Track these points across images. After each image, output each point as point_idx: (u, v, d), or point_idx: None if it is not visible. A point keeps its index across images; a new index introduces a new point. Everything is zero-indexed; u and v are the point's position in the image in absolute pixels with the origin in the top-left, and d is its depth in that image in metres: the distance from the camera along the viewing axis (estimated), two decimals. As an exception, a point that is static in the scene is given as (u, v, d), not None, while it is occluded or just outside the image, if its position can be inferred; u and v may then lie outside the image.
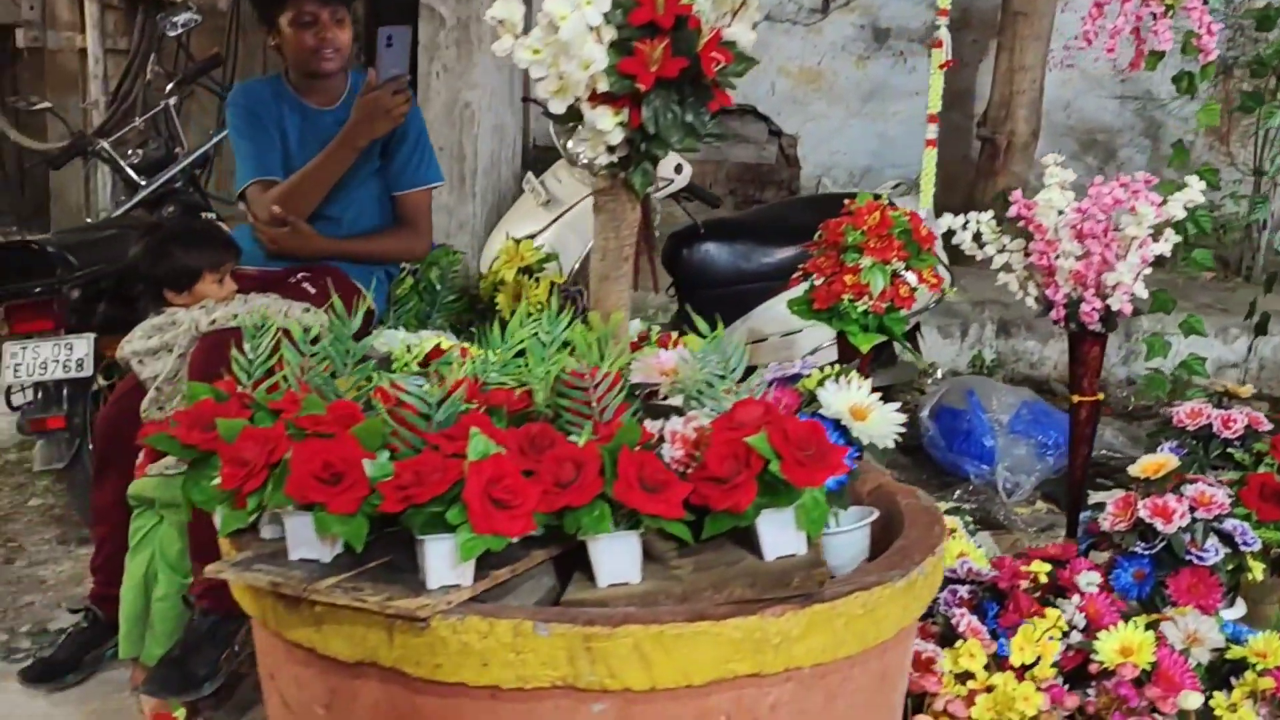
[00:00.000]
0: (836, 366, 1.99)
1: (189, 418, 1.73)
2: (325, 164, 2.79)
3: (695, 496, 1.60)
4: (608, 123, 1.80)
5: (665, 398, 1.92)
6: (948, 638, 2.47)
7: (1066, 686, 2.38)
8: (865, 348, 3.01)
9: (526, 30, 1.76)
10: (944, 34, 4.18)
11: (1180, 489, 2.71)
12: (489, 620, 1.52)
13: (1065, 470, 4.10)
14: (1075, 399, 3.27)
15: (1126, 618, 2.50)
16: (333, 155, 2.79)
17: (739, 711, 1.57)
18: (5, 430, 4.33)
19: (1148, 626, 2.44)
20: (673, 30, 1.76)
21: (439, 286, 3.21)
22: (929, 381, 5.10)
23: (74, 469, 3.36)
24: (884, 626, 1.67)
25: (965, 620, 2.48)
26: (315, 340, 1.87)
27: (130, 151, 4.03)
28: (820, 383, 1.94)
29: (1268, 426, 2.93)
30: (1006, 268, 3.26)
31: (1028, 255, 3.19)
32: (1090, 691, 2.41)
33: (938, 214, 3.25)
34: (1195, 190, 3.01)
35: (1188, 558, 2.61)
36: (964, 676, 2.42)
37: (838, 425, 1.86)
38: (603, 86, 1.77)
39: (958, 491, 4.04)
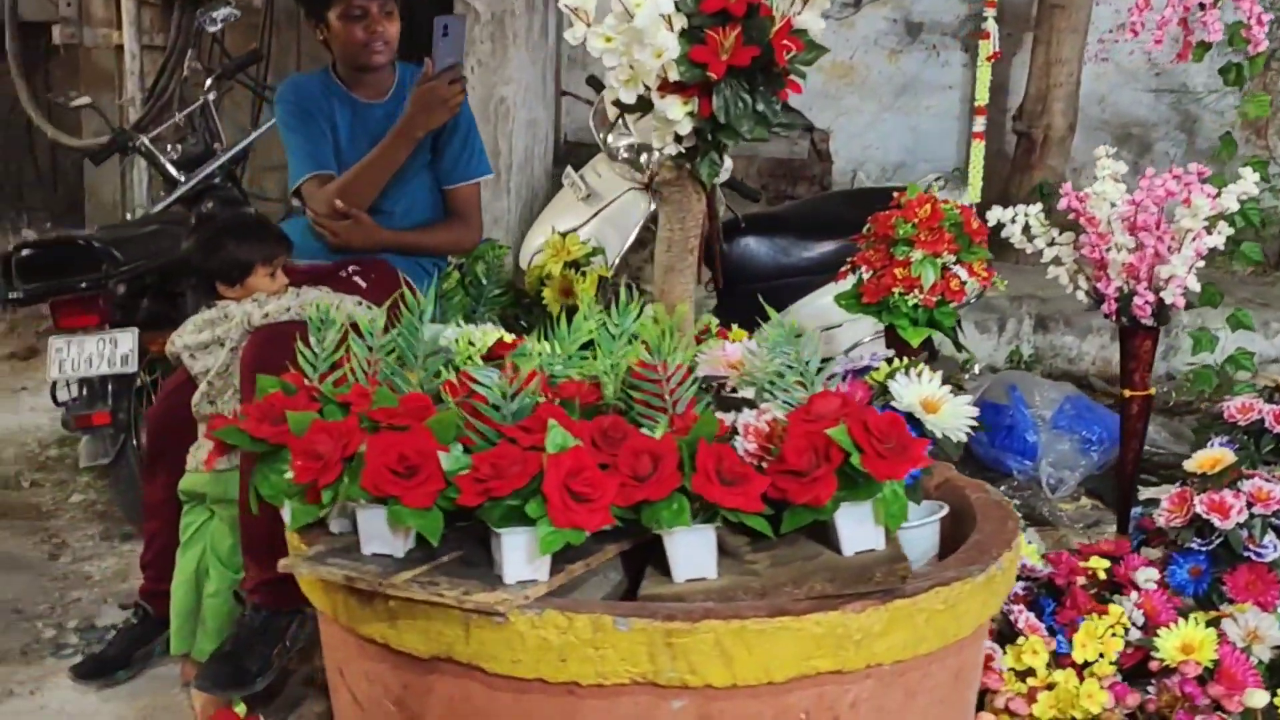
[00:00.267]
0: (906, 359, 1.96)
1: (258, 411, 1.72)
2: (383, 156, 2.78)
3: (772, 490, 1.57)
4: (677, 112, 1.78)
5: (733, 390, 1.90)
6: (1005, 634, 2.45)
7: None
8: (916, 342, 2.98)
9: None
10: (991, 26, 4.14)
11: (1237, 484, 2.68)
12: (568, 615, 1.50)
13: (1109, 466, 4.08)
14: (1126, 394, 3.23)
15: (1183, 615, 2.47)
16: (391, 146, 2.78)
17: (819, 709, 1.55)
18: (46, 426, 4.34)
19: (1208, 624, 2.41)
20: (744, 18, 1.74)
21: (484, 280, 3.20)
22: (966, 377, 5.06)
23: (119, 465, 3.36)
24: (964, 623, 1.65)
25: (1024, 617, 2.45)
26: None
27: (169, 147, 4.02)
28: (890, 375, 1.91)
29: (1320, 421, 2.89)
30: (1056, 261, 3.23)
31: (1078, 248, 3.16)
32: (1150, 689, 2.38)
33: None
34: (1249, 182, 2.98)
35: (1245, 554, 2.57)
36: (1024, 673, 2.39)
37: (909, 418, 1.83)
38: (673, 75, 1.75)
39: (1001, 487, 4.00)
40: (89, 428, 3.30)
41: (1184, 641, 2.38)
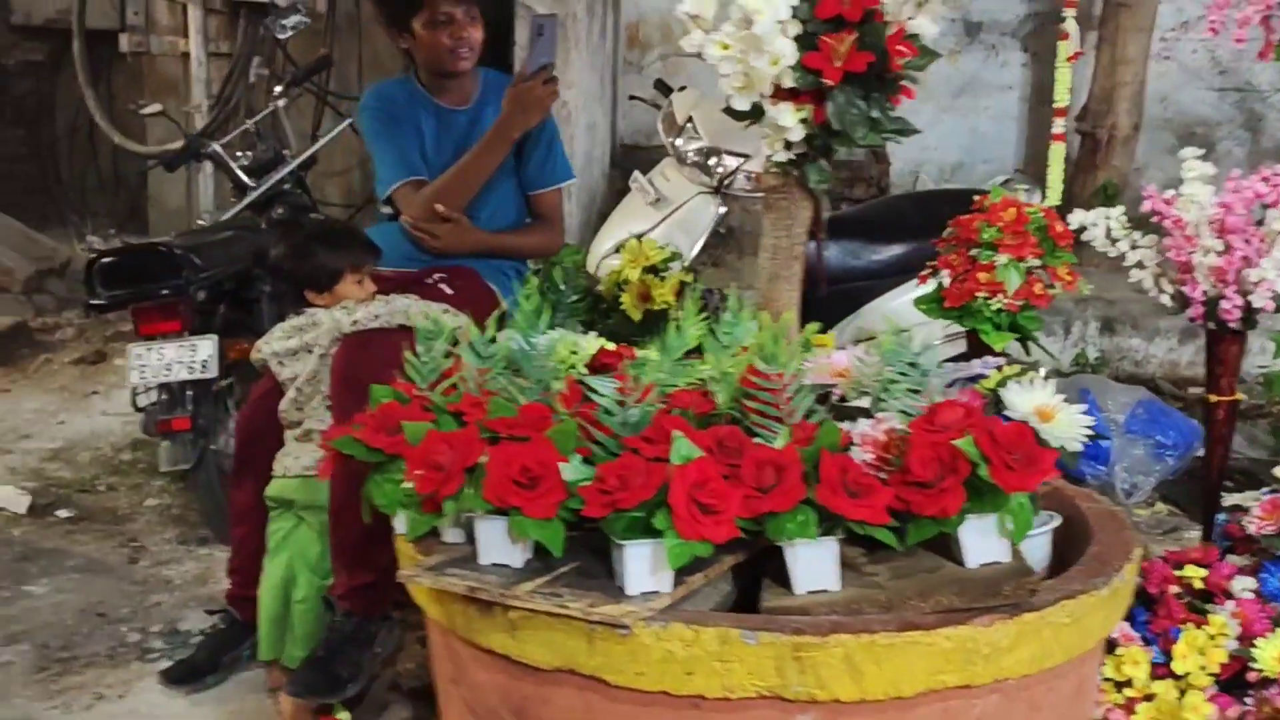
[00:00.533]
0: (1016, 366, 1.94)
1: (374, 421, 1.72)
2: (480, 158, 2.80)
3: (896, 501, 1.56)
4: (790, 119, 1.76)
5: (843, 399, 1.88)
6: (1099, 644, 2.41)
7: (1217, 695, 2.32)
8: (999, 347, 2.95)
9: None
10: (1071, 26, 4.09)
11: (1333, 490, 2.64)
12: (694, 628, 1.49)
13: (1184, 471, 4.02)
14: (1213, 398, 3.18)
15: (1277, 624, 2.43)
16: (487, 149, 2.79)
17: (946, 723, 1.53)
18: (119, 430, 4.39)
19: (1304, 633, 2.36)
20: (859, 24, 1.72)
21: (562, 286, 3.19)
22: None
23: (198, 470, 3.39)
24: (1088, 636, 1.63)
25: (1120, 626, 2.42)
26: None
27: (239, 154, 4.05)
28: (1002, 383, 1.89)
29: None
30: (1139, 265, 3.18)
31: (1163, 252, 3.11)
32: (1248, 700, 2.34)
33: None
34: (1339, 183, 2.92)
35: (1339, 561, 2.53)
36: (1121, 684, 2.36)
37: (1019, 427, 1.81)
38: (787, 82, 1.73)
39: (1075, 493, 3.95)
40: (169, 433, 3.33)
41: (1283, 652, 2.34)
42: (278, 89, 4.15)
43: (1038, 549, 1.81)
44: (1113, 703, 2.33)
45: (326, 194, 5.41)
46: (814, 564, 1.57)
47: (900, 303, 4.17)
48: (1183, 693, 2.32)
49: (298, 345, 2.65)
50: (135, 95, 5.87)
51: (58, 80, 6.50)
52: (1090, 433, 1.84)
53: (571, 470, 1.56)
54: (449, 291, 2.74)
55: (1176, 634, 2.42)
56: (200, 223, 4.21)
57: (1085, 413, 4.51)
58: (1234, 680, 2.39)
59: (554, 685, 1.59)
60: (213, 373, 3.33)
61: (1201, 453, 3.33)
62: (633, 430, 1.60)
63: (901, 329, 4.56)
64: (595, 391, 1.62)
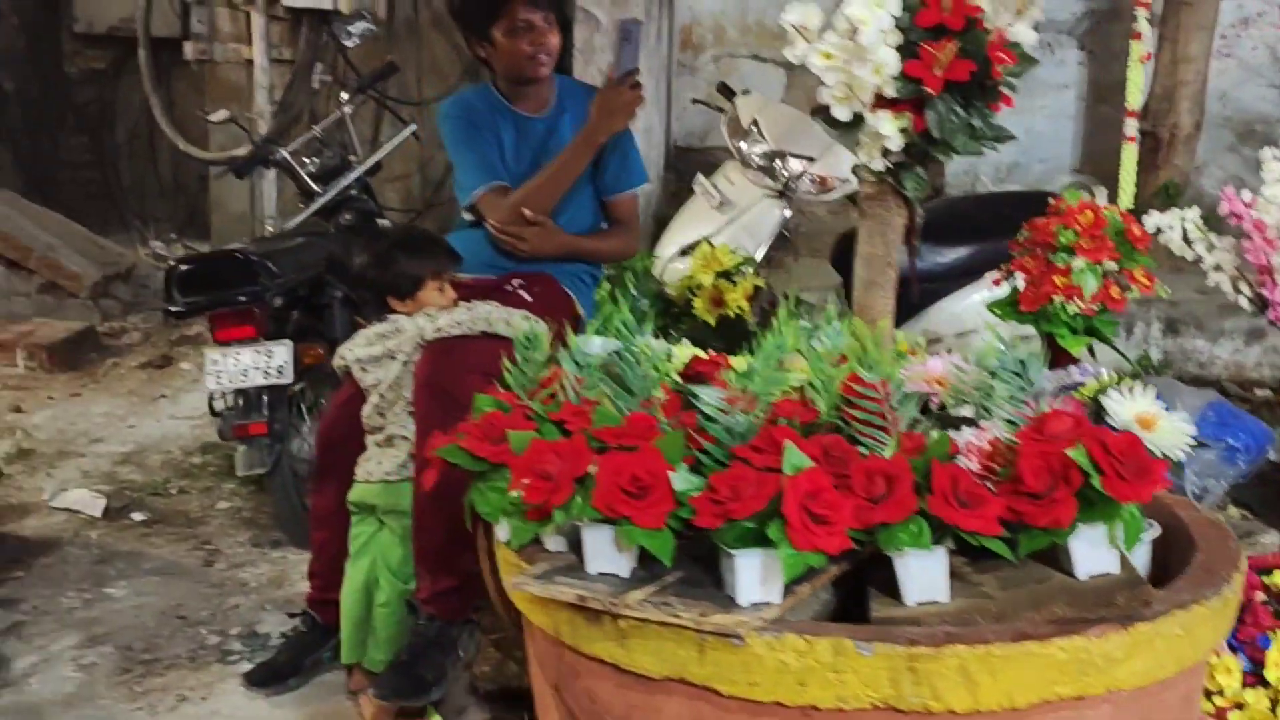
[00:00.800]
0: (1115, 374, 1.93)
1: (478, 430, 1.74)
2: (568, 163, 2.82)
3: (1007, 512, 1.55)
4: (890, 127, 1.76)
5: (941, 406, 1.88)
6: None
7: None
8: (1076, 351, 2.93)
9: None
10: (1143, 25, 4.06)
11: None
12: (807, 639, 1.49)
13: (1255, 475, 3.97)
14: (1293, 401, 3.15)
15: (1361, 630, 2.40)
16: (575, 153, 2.82)
17: (1058, 735, 1.52)
18: (188, 434, 4.45)
19: (1391, 640, 2.33)
20: (961, 32, 1.72)
21: (634, 291, 3.21)
22: (1099, 383, 4.96)
23: (274, 474, 3.43)
24: (1199, 647, 1.62)
25: (1209, 635, 2.39)
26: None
27: (306, 160, 4.08)
28: (1102, 391, 1.88)
29: None
30: (1216, 268, 3.16)
31: (1241, 254, 3.08)
32: (1341, 709, 2.32)
33: None
34: None
35: None
36: (1211, 693, 2.34)
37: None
38: (888, 91, 1.73)
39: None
40: (246, 438, 3.37)
41: (1374, 659, 2.31)
42: (344, 96, 4.19)
43: (1138, 558, 1.80)
44: (1204, 711, 2.31)
45: (386, 199, 5.43)
46: (924, 574, 1.57)
47: (964, 305, 4.15)
48: (1274, 701, 2.30)
49: (380, 352, 2.68)
50: (197, 102, 5.94)
51: (119, 87, 6.59)
52: (1192, 440, 1.83)
53: (681, 480, 1.57)
54: (528, 298, 2.76)
55: (1264, 641, 2.40)
56: (269, 229, 4.25)
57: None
58: (1320, 689, 2.36)
59: (663, 694, 1.59)
60: (288, 378, 3.37)
61: (1273, 456, 3.30)
62: (740, 440, 1.60)
63: (966, 330, 4.53)
64: (702, 401, 1.62)
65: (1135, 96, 4.21)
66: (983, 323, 4.23)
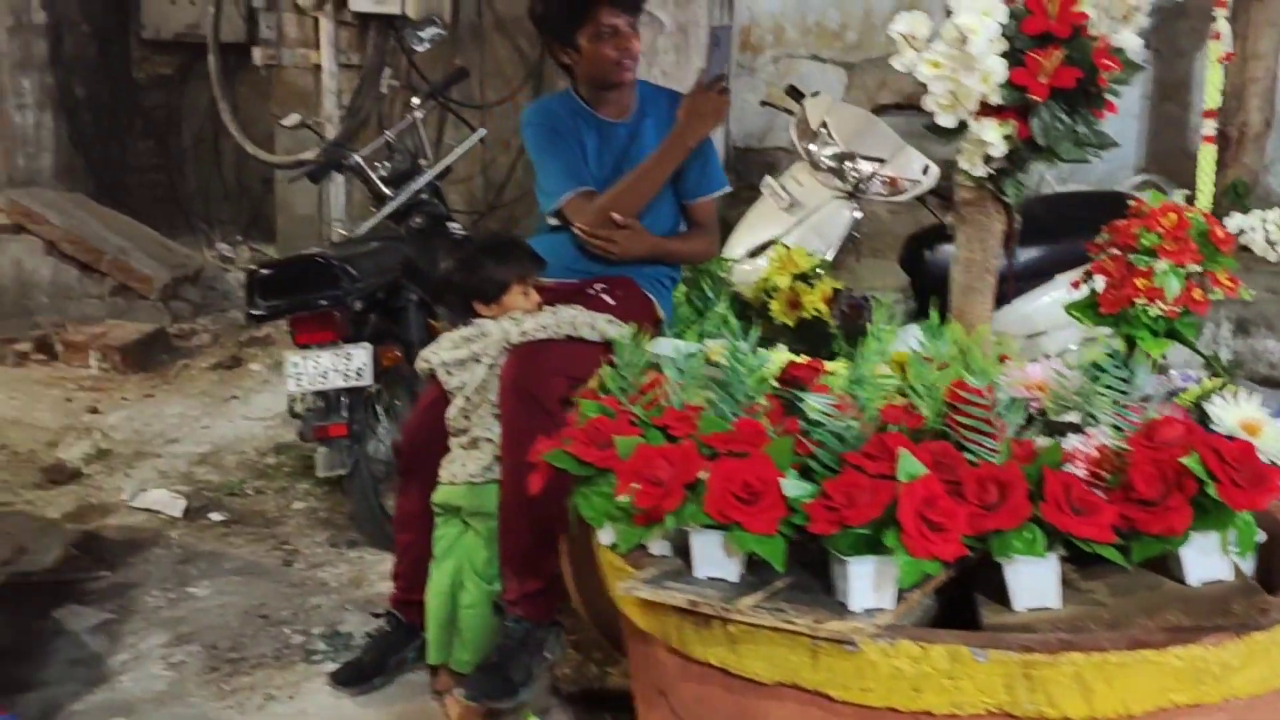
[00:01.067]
0: (1216, 379, 1.92)
1: (584, 434, 1.76)
2: (657, 166, 2.85)
3: (1119, 519, 1.55)
4: (994, 134, 1.77)
5: (1041, 412, 1.88)
6: None
7: None
8: (1157, 353, 2.91)
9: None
10: (1222, 25, 4.01)
11: None
12: (922, 645, 1.50)
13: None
14: (1378, 405, 3.11)
15: None
16: (664, 156, 2.85)
17: (1173, 743, 1.52)
18: (261, 435, 4.51)
19: None
20: (1067, 40, 1.72)
21: (709, 294, 3.22)
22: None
23: (353, 476, 3.47)
24: (1315, 656, 1.60)
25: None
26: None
27: (377, 164, 4.13)
28: (1205, 396, 1.87)
29: None
30: (1300, 268, 3.13)
31: (1326, 255, 3.05)
32: None
33: None
34: None
35: None
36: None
37: (1230, 442, 1.79)
38: (994, 99, 1.74)
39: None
40: (326, 439, 3.41)
41: None
42: (415, 101, 4.23)
43: (1245, 565, 1.79)
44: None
45: (449, 201, 5.49)
46: (1035, 581, 1.57)
47: (1034, 307, 4.12)
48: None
49: (466, 355, 2.71)
50: (261, 107, 6.03)
51: (185, 92, 6.69)
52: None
53: (792, 486, 1.58)
54: (610, 301, 2.78)
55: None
56: (342, 232, 4.31)
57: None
58: None
59: (773, 699, 1.61)
60: (367, 380, 3.41)
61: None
62: (850, 446, 1.61)
63: (1036, 332, 4.50)
64: (810, 408, 1.63)
65: (1214, 96, 4.16)
66: (1052, 324, 4.21)
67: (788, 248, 3.32)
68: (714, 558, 1.65)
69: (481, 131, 4.38)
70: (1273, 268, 4.28)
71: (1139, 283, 2.92)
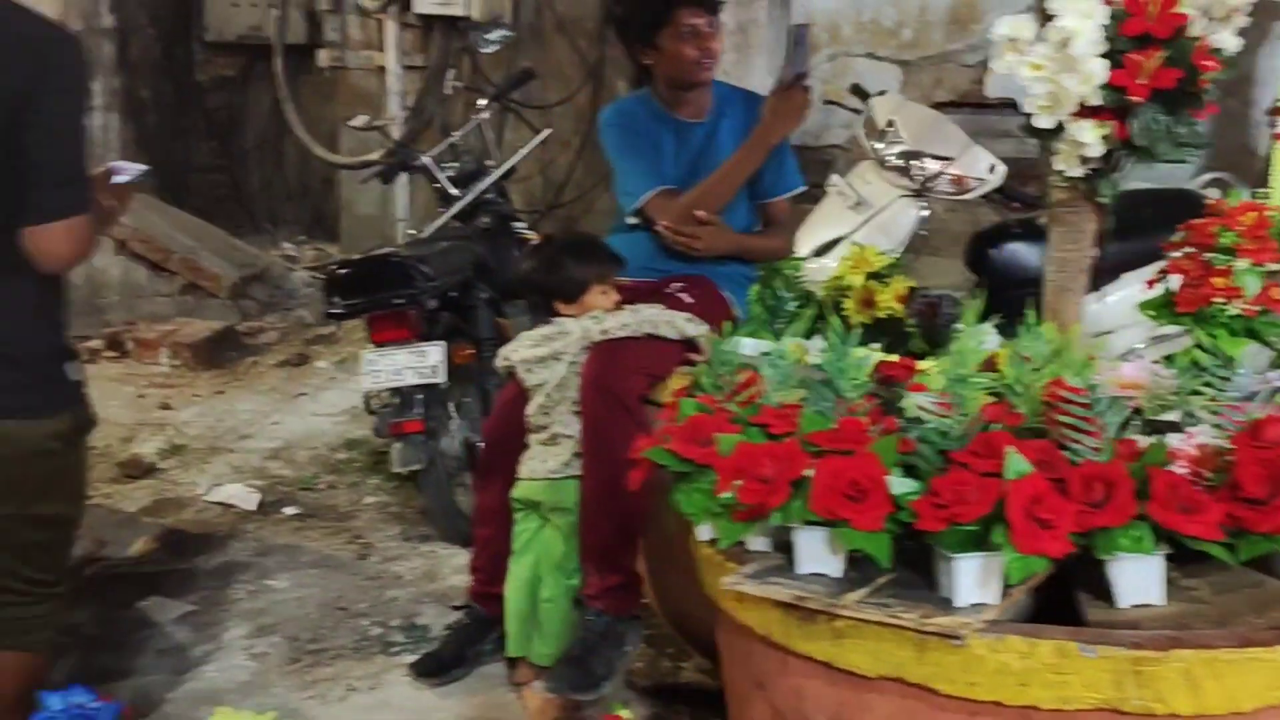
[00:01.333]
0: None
1: (685, 432, 1.79)
2: (741, 163, 2.89)
3: (1225, 517, 1.56)
4: (1091, 135, 1.78)
5: (1137, 411, 1.88)
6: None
7: None
8: (1235, 353, 2.90)
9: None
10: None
11: None
12: (1029, 640, 1.52)
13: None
14: None
15: None
16: (748, 154, 2.89)
17: (1280, 740, 1.53)
18: (330, 430, 4.58)
19: None
20: (1167, 41, 1.73)
21: (782, 293, 3.23)
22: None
23: (428, 471, 3.52)
24: None
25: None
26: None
27: (444, 165, 4.18)
28: (1301, 396, 1.87)
29: None
30: (1379, 268, 3.10)
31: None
32: None
33: None
34: None
35: None
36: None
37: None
38: (1092, 100, 1.75)
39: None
40: (401, 435, 3.47)
41: None
42: (482, 102, 4.28)
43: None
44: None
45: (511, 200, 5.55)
46: (1140, 578, 1.59)
47: (1101, 305, 4.10)
48: None
49: (546, 353, 2.75)
50: (322, 108, 6.11)
51: (247, 94, 6.79)
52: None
53: (897, 484, 1.61)
54: (689, 300, 2.82)
55: None
56: (411, 232, 4.37)
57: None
58: None
59: (876, 692, 1.63)
60: (441, 377, 3.46)
61: None
62: (953, 444, 1.63)
63: (1103, 330, 4.49)
64: (915, 406, 1.65)
65: (1284, 93, 4.12)
66: (1118, 322, 4.19)
67: (861, 246, 3.34)
68: (817, 554, 1.67)
69: (547, 131, 4.43)
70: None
71: (1217, 281, 2.92)
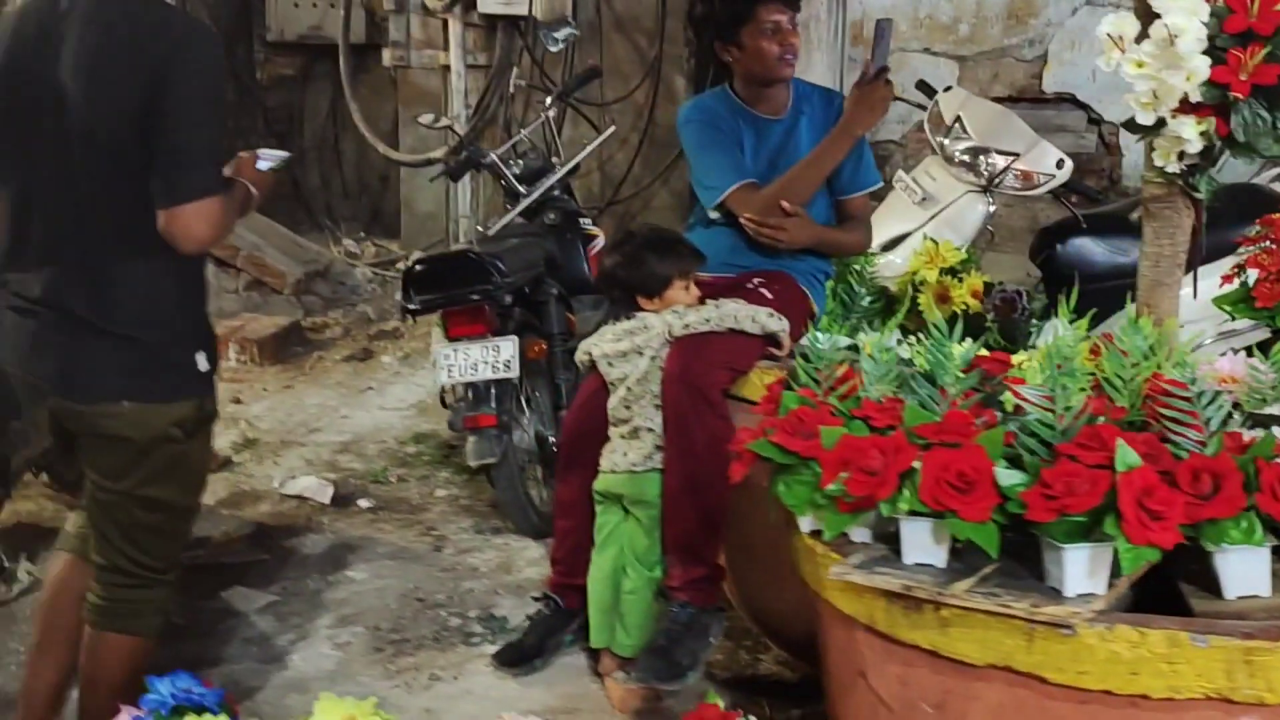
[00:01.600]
0: None
1: (788, 425, 1.83)
2: (825, 155, 2.92)
3: (1333, 510, 1.58)
4: (1191, 131, 1.79)
5: (1236, 405, 1.90)
6: None
7: None
8: (1313, 346, 2.90)
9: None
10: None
11: None
12: (1140, 630, 1.55)
13: None
14: None
15: None
16: (833, 146, 2.92)
17: (1390, 729, 1.55)
18: (399, 424, 4.65)
19: None
20: (1269, 37, 1.74)
21: (856, 288, 3.27)
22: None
23: (502, 465, 3.57)
24: None
25: None
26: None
27: (510, 162, 4.24)
28: (1402, 391, 1.88)
29: None
30: None
31: None
32: None
33: None
34: None
35: None
36: None
37: None
38: (1194, 97, 1.77)
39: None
40: (476, 429, 3.52)
41: None
42: (548, 100, 4.33)
43: None
44: None
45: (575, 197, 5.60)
46: (1247, 569, 1.61)
47: (1169, 299, 4.09)
48: None
49: (628, 347, 2.79)
50: (382, 107, 6.19)
51: (306, 93, 6.88)
52: None
53: (1004, 475, 1.63)
54: (769, 295, 2.85)
55: None
56: (479, 229, 4.43)
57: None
58: None
59: (982, 680, 1.66)
60: (515, 372, 3.51)
61: None
62: (1062, 437, 1.66)
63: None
64: (1026, 402, 1.68)
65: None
66: (1188, 317, 4.17)
67: (934, 241, 3.36)
68: (922, 544, 1.71)
69: (612, 128, 4.48)
70: None
71: (1297, 275, 2.91)
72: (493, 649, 3.05)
